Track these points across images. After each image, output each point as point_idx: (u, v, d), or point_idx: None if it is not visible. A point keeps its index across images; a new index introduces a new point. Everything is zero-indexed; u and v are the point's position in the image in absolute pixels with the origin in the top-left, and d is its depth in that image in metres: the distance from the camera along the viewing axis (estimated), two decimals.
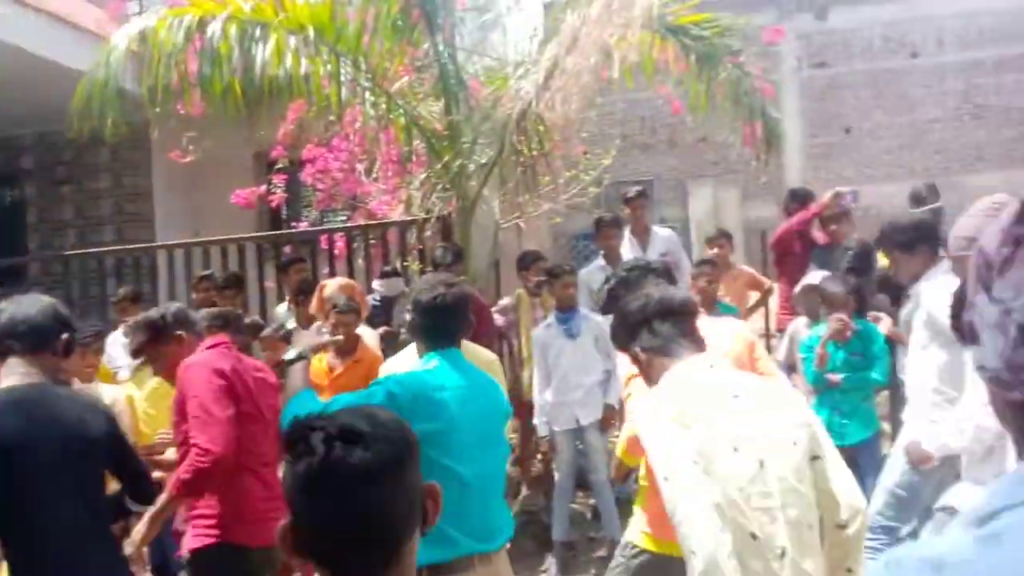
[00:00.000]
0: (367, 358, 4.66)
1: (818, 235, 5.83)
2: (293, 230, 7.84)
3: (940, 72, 11.89)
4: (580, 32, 5.00)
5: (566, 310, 5.19)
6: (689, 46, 5.95)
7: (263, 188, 7.99)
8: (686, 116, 6.85)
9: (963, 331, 0.90)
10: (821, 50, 12.15)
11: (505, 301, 5.97)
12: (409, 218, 6.67)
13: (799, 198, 6.04)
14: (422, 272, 6.16)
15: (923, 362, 3.44)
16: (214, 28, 5.44)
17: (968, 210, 3.05)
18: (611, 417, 5.07)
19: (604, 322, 5.25)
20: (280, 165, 7.59)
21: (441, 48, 5.69)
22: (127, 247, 8.22)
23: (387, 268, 5.99)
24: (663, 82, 6.62)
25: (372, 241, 6.88)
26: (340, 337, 4.49)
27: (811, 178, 11.91)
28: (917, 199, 6.07)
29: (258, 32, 5.43)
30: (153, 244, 8.02)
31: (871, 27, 11.97)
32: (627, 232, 6.31)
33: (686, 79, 6.19)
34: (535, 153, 5.71)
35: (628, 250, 6.19)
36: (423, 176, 6.30)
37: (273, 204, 7.92)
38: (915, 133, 11.94)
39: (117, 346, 5.42)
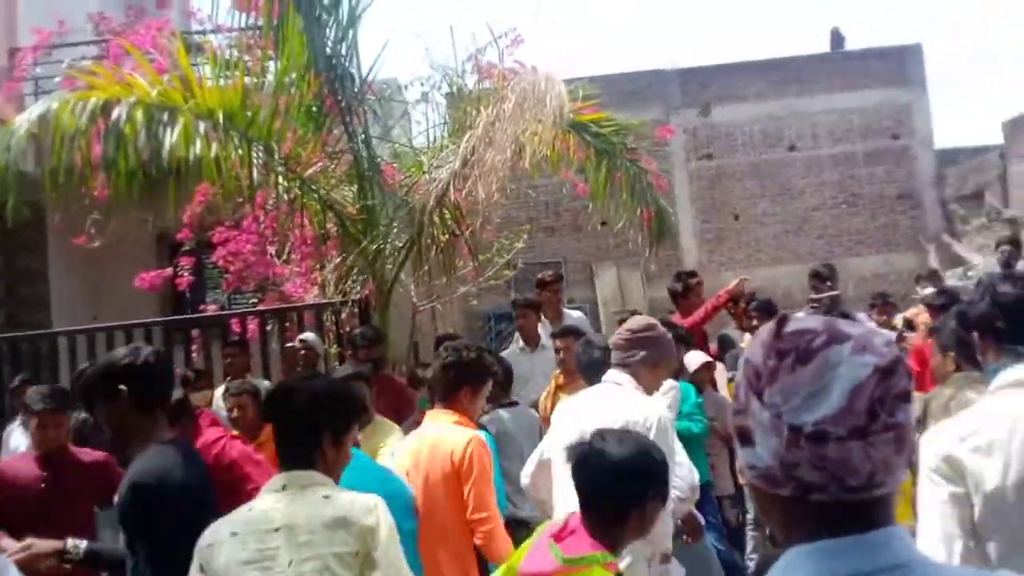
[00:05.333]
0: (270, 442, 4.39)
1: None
2: (202, 314, 7.34)
3: (817, 164, 12.53)
4: (495, 126, 4.97)
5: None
6: (589, 141, 6.04)
7: (168, 271, 7.49)
8: (587, 201, 6.89)
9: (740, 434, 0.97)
10: (706, 143, 12.63)
11: None
12: (325, 301, 6.36)
13: (682, 279, 6.16)
14: (339, 355, 5.86)
15: None
16: (119, 112, 5.09)
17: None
18: None
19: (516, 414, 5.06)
20: (186, 247, 7.14)
21: (355, 135, 5.50)
22: (25, 333, 7.49)
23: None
24: (567, 169, 6.68)
25: (287, 324, 6.50)
26: None
27: (706, 261, 12.22)
28: (820, 278, 6.20)
29: (165, 116, 5.11)
30: (54, 330, 7.34)
31: (751, 123, 12.56)
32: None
33: (587, 169, 6.28)
34: (452, 236, 5.56)
35: (542, 331, 6.05)
36: (338, 259, 6.01)
37: (181, 287, 7.44)
38: (798, 220, 12.46)
39: (15, 435, 4.95)
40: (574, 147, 6.19)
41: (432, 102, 6.09)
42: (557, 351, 4.98)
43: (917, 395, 2.99)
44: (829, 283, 6.10)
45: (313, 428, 2.12)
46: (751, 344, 0.99)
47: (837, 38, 13.20)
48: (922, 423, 2.63)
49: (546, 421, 5.02)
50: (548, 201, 12.05)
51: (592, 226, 10.91)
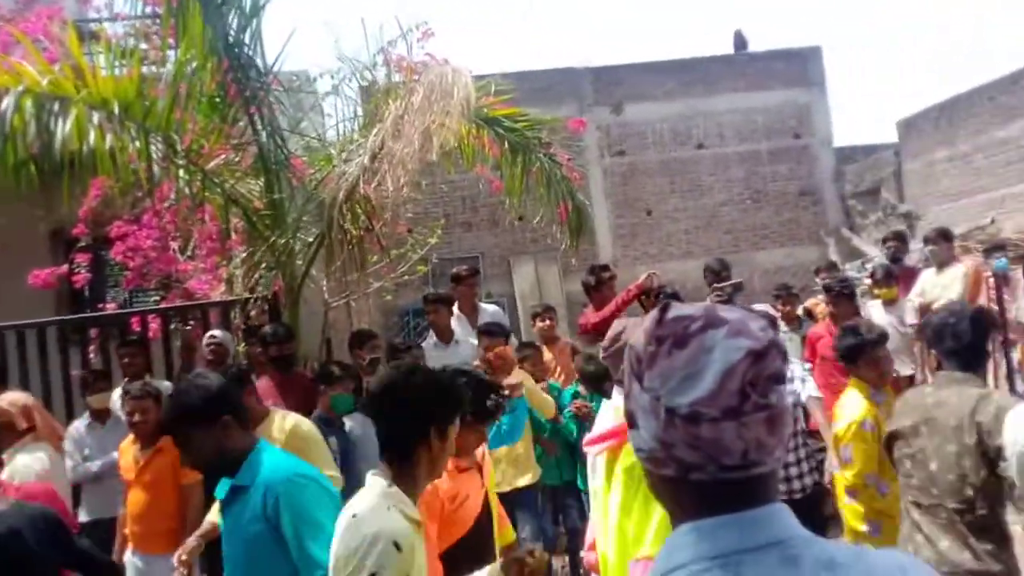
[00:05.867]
0: (170, 447, 4.21)
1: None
2: (101, 312, 6.99)
3: (724, 161, 12.89)
4: (403, 119, 4.91)
5: None
6: (503, 135, 6.04)
7: (63, 268, 7.10)
8: (504, 197, 6.91)
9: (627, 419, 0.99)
10: (619, 140, 12.82)
11: None
12: (232, 298, 6.15)
13: (595, 273, 6.24)
14: (247, 354, 5.68)
15: None
16: (7, 102, 4.78)
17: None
18: None
19: None
20: (82, 243, 6.79)
21: (260, 127, 5.33)
22: None
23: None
24: (482, 164, 6.67)
25: (191, 322, 6.26)
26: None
27: (620, 255, 12.42)
28: (714, 272, 6.40)
29: (56, 107, 4.83)
30: None
31: (661, 121, 12.82)
32: (455, 308, 6.16)
33: (502, 164, 6.28)
34: (362, 232, 5.46)
35: (456, 326, 6.02)
36: (244, 254, 5.82)
37: (78, 284, 7.08)
38: (707, 215, 12.79)
39: None
40: (488, 142, 6.19)
41: (342, 95, 5.97)
42: (486, 350, 5.00)
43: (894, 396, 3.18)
44: (724, 275, 6.29)
45: (418, 422, 2.10)
46: (636, 332, 1.01)
47: (740, 40, 13.59)
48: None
49: None
50: (465, 196, 12.02)
51: (509, 221, 10.95)
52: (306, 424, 3.89)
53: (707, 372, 0.90)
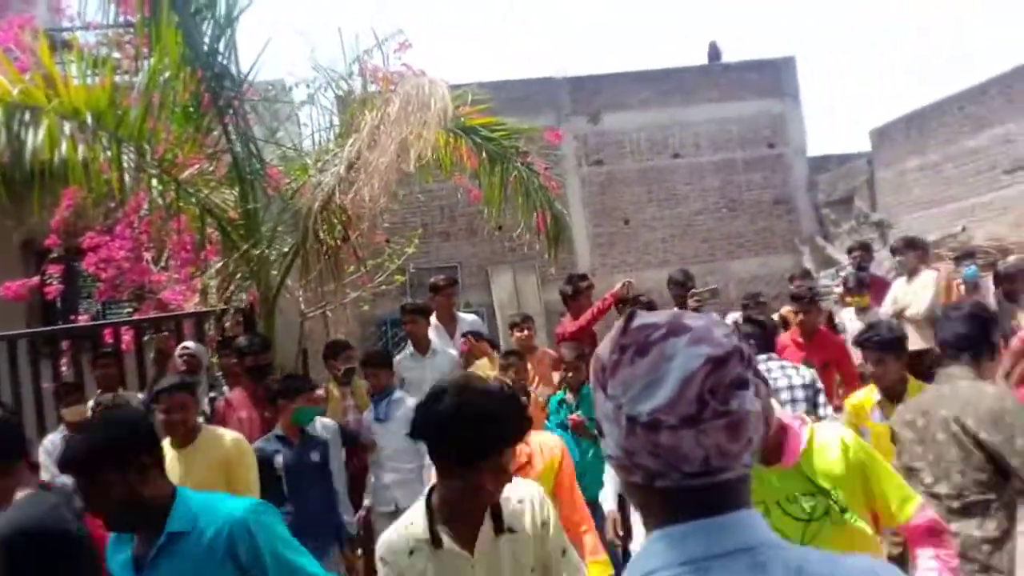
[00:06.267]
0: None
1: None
2: (73, 324, 6.88)
3: (700, 171, 12.97)
4: (379, 130, 4.89)
5: (379, 394, 4.98)
6: (481, 145, 6.05)
7: (35, 279, 6.99)
8: (482, 206, 6.90)
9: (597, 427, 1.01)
10: (596, 149, 12.86)
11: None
12: (207, 309, 6.08)
13: (572, 282, 6.28)
14: (222, 365, 5.62)
15: None
16: None
17: None
18: None
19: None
20: (54, 254, 6.68)
21: (234, 136, 5.28)
22: None
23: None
24: (460, 174, 6.65)
25: (165, 334, 6.17)
26: None
27: (598, 264, 12.44)
28: (679, 284, 6.47)
29: (27, 116, 4.75)
30: None
31: (637, 130, 12.89)
32: (433, 318, 6.13)
33: (480, 174, 6.28)
34: (338, 242, 5.43)
35: (434, 336, 5.99)
36: (219, 265, 5.76)
37: (50, 296, 6.96)
38: (683, 224, 12.86)
39: None
40: (466, 152, 6.18)
41: (318, 105, 5.94)
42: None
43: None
44: (689, 285, 6.34)
45: (450, 458, 1.92)
46: (603, 341, 1.01)
47: (714, 51, 13.71)
48: None
49: None
50: (443, 206, 11.99)
51: (487, 230, 10.93)
52: (244, 444, 3.89)
53: (667, 380, 0.91)
